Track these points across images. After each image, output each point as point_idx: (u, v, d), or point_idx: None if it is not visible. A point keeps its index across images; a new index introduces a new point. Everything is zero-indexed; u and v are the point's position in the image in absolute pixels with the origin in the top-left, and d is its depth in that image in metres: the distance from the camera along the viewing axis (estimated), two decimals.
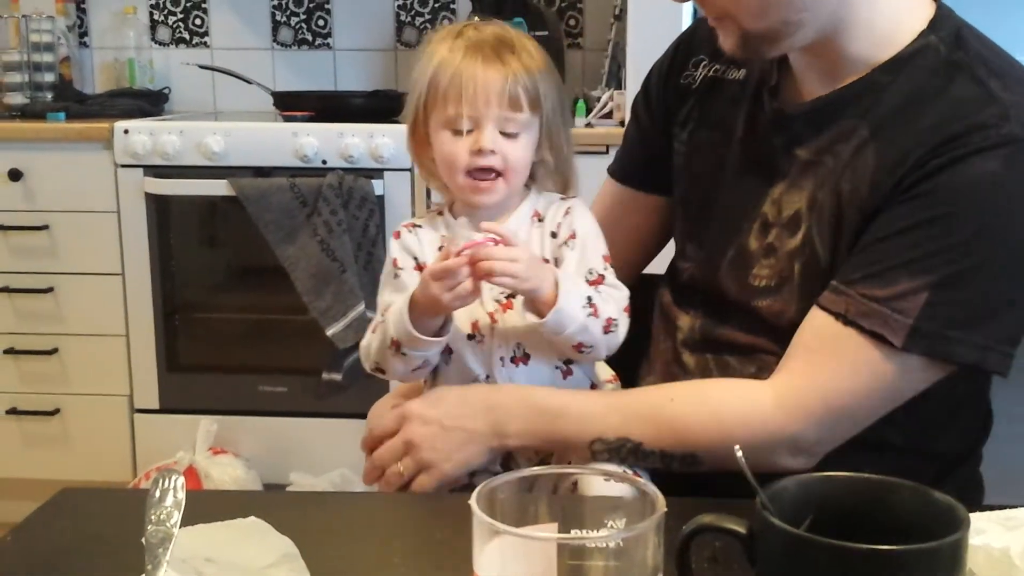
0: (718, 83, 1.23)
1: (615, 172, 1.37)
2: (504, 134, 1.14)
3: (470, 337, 1.15)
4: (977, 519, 0.77)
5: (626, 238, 1.33)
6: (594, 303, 1.11)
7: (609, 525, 0.66)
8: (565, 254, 1.16)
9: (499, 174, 1.14)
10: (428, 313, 1.10)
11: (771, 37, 1.07)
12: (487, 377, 1.15)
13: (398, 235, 1.20)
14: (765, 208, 1.13)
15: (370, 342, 1.18)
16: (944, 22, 1.09)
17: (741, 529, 0.69)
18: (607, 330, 1.13)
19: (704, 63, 1.25)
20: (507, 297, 1.15)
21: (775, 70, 1.17)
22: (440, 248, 1.15)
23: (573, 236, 1.17)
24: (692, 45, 1.28)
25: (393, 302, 1.15)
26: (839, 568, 0.63)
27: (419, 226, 1.20)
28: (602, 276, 1.15)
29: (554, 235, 1.17)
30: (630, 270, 1.35)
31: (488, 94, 1.12)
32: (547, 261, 1.16)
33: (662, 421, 1.09)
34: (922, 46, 1.07)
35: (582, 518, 0.66)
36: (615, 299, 1.15)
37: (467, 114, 1.12)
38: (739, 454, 0.70)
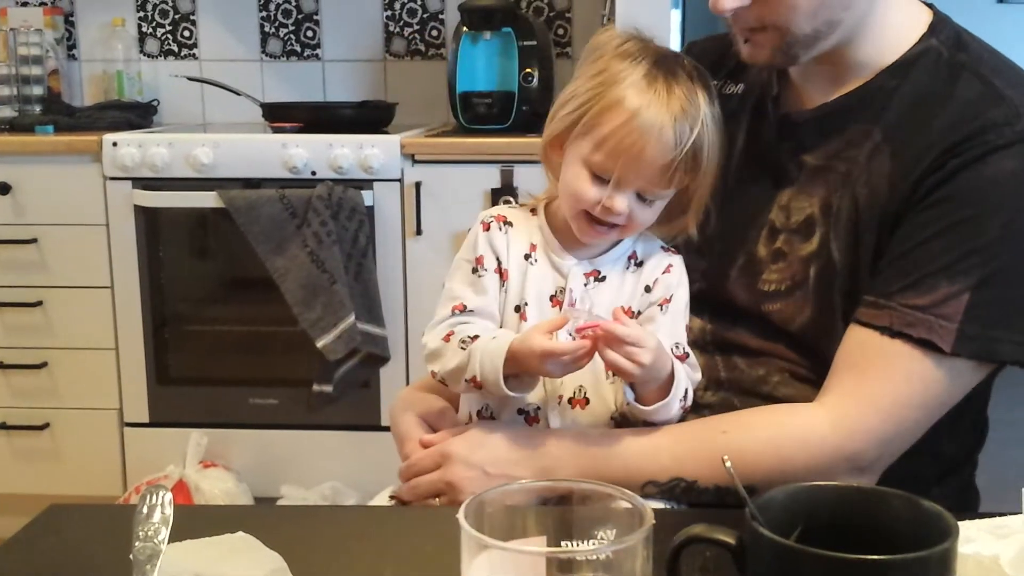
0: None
1: None
2: (640, 197, 1.09)
3: (520, 412, 1.11)
4: (967, 527, 0.77)
5: None
6: (688, 395, 1.09)
7: (599, 537, 0.66)
8: (656, 316, 1.11)
9: (616, 225, 1.09)
10: (525, 373, 1.05)
11: (811, 40, 1.08)
12: (538, 410, 1.11)
13: (487, 227, 1.13)
14: (772, 215, 1.14)
15: (443, 352, 1.10)
16: (943, 26, 1.12)
17: (731, 540, 0.69)
18: (683, 411, 1.11)
19: None
20: None
21: (775, 81, 1.18)
22: (567, 315, 1.06)
23: (668, 300, 1.12)
24: None
25: (466, 299, 1.11)
26: None
27: (510, 224, 1.14)
28: (686, 354, 1.11)
29: (648, 289, 1.12)
30: None
31: (648, 169, 1.05)
32: (632, 313, 1.11)
33: (716, 456, 1.07)
34: (924, 49, 1.10)
35: (571, 531, 0.66)
36: (693, 382, 1.12)
37: (617, 175, 1.06)
38: (727, 464, 0.70)
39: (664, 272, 1.13)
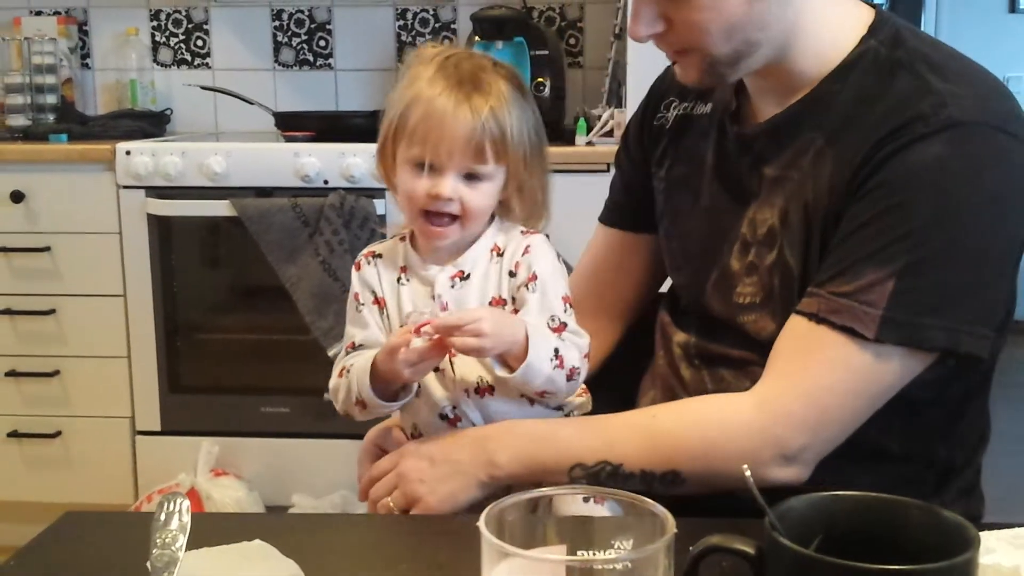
0: (688, 120, 1.27)
1: (606, 219, 1.40)
2: (467, 179, 1.13)
3: (435, 369, 1.15)
4: (987, 538, 0.76)
5: (625, 280, 1.38)
6: (560, 354, 1.11)
7: (617, 547, 0.66)
8: (525, 296, 1.14)
9: (455, 217, 1.13)
10: (390, 380, 1.11)
11: (733, 60, 1.09)
12: (454, 408, 1.15)
13: (359, 267, 1.20)
14: (743, 229, 1.16)
15: (337, 387, 1.19)
16: (882, 25, 1.12)
17: (750, 549, 0.68)
18: (569, 378, 1.13)
19: (674, 104, 1.29)
20: None
21: (734, 97, 1.20)
22: (407, 318, 1.13)
23: (534, 278, 1.14)
24: (662, 89, 1.32)
25: (354, 336, 1.18)
26: None
27: (379, 256, 1.20)
28: (564, 324, 1.14)
29: (512, 274, 1.16)
30: (631, 312, 1.39)
31: (453, 143, 1.11)
32: (504, 301, 1.15)
33: (643, 438, 1.10)
34: (863, 50, 1.11)
35: (591, 540, 0.66)
36: (578, 347, 1.14)
37: (429, 159, 1.11)
38: (747, 473, 0.70)
39: (523, 254, 1.16)
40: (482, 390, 1.14)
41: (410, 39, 3.21)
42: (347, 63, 3.26)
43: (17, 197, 2.71)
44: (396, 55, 3.23)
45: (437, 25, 3.19)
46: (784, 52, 1.11)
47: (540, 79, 2.75)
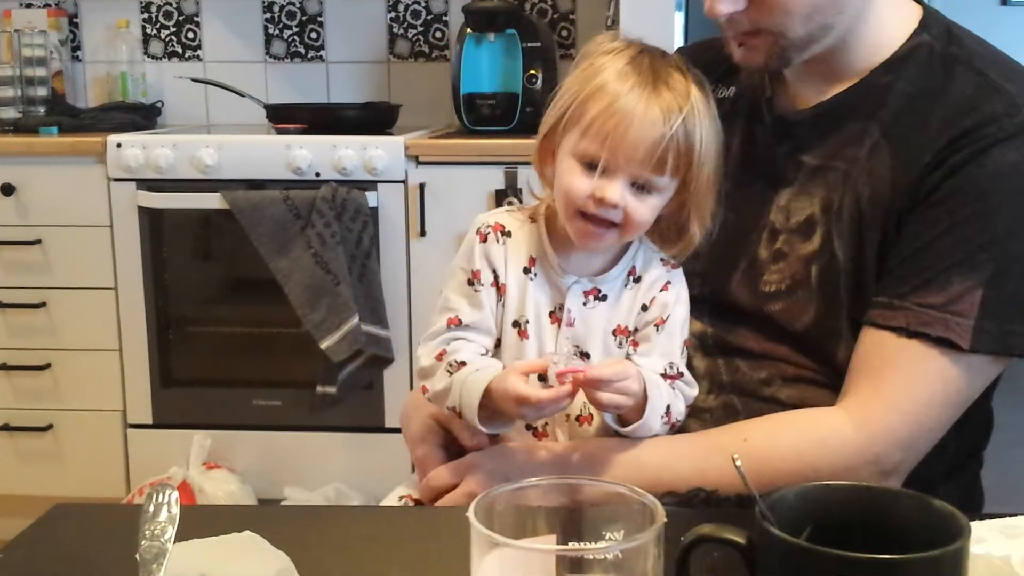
0: None
1: None
2: (635, 187, 1.05)
3: (528, 428, 1.10)
4: (978, 527, 0.76)
5: None
6: (671, 411, 1.08)
7: (608, 537, 0.65)
8: (651, 335, 1.10)
9: (613, 224, 1.06)
10: (502, 415, 1.05)
11: (806, 43, 1.08)
12: (545, 425, 1.11)
13: (484, 238, 1.10)
14: (772, 216, 1.14)
15: (432, 371, 1.09)
16: (933, 20, 1.12)
17: (740, 539, 0.68)
18: (672, 427, 1.10)
19: None
20: None
21: (768, 82, 1.18)
22: (546, 360, 1.04)
23: (664, 320, 1.10)
24: None
25: (462, 313, 1.09)
26: None
27: (508, 234, 1.11)
28: (680, 373, 1.10)
29: (644, 308, 1.10)
30: None
31: (635, 148, 1.02)
32: (628, 332, 1.10)
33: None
34: (917, 44, 1.10)
35: (580, 530, 0.66)
36: (686, 398, 1.11)
37: (604, 159, 1.03)
38: (737, 463, 0.70)
39: (661, 290, 1.11)
40: (582, 419, 1.10)
41: (401, 31, 3.20)
42: (339, 55, 3.25)
43: (7, 190, 2.70)
44: (388, 47, 3.22)
45: (429, 17, 3.19)
46: (845, 39, 1.10)
47: (532, 71, 2.75)
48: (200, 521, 0.89)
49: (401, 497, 1.18)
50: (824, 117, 1.12)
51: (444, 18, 3.18)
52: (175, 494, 0.82)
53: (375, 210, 2.60)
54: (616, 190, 1.03)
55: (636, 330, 1.10)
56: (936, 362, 1.03)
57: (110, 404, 2.78)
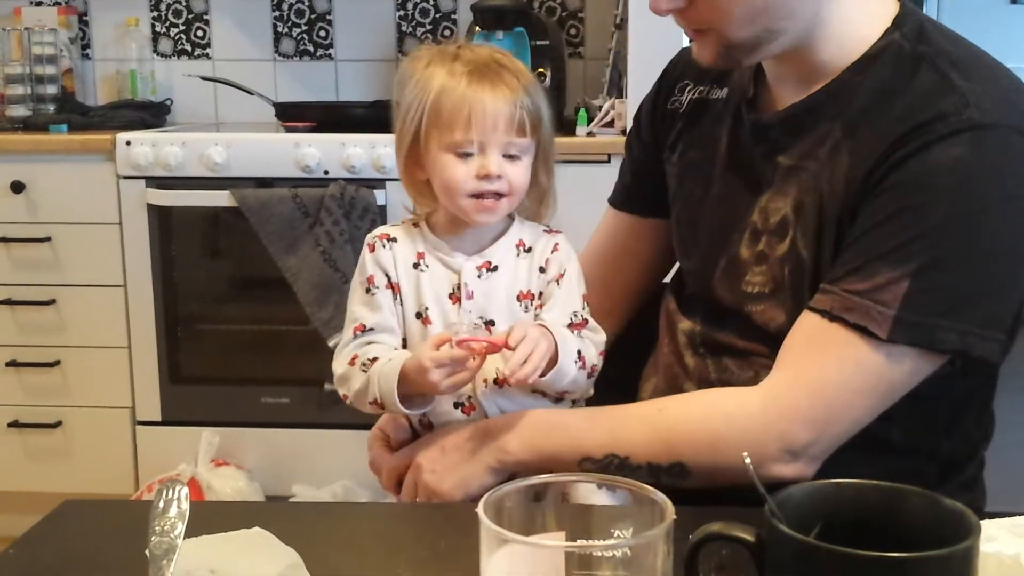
0: (703, 104, 1.25)
1: (615, 202, 1.39)
2: (507, 156, 1.14)
3: (456, 405, 1.16)
4: (987, 526, 0.76)
5: (631, 264, 1.38)
6: (582, 355, 1.14)
7: (616, 534, 0.65)
8: (553, 292, 1.18)
9: (501, 195, 1.14)
10: (418, 390, 1.11)
11: (752, 45, 1.09)
12: (469, 398, 1.16)
13: (372, 248, 1.19)
14: (754, 217, 1.15)
15: (348, 376, 1.18)
16: (907, 18, 1.11)
17: (749, 537, 0.68)
18: (589, 375, 1.16)
19: (689, 87, 1.28)
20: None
21: (752, 83, 1.19)
22: (450, 331, 1.13)
23: (563, 275, 1.18)
24: (677, 72, 1.31)
25: (364, 319, 1.17)
26: None
27: (394, 240, 1.19)
28: (585, 320, 1.18)
29: (542, 270, 1.18)
30: (636, 297, 1.39)
31: (496, 120, 1.12)
32: (532, 295, 1.18)
33: (650, 430, 1.10)
34: (887, 43, 1.10)
35: (589, 527, 0.66)
36: (595, 344, 1.18)
37: (476, 139, 1.12)
38: (747, 460, 0.70)
39: (553, 251, 1.19)
40: (500, 381, 1.14)
41: (410, 29, 3.20)
42: (347, 53, 3.25)
43: (17, 187, 2.71)
44: (397, 45, 3.22)
45: (438, 15, 3.19)
46: (806, 40, 1.10)
47: (541, 69, 2.75)
48: (209, 517, 0.89)
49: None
50: (796, 118, 1.13)
51: (453, 16, 3.18)
52: (185, 490, 0.83)
53: (383, 208, 2.60)
54: (495, 162, 1.13)
55: (540, 293, 1.18)
56: (853, 347, 1.02)
57: (119, 401, 2.79)
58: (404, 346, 1.17)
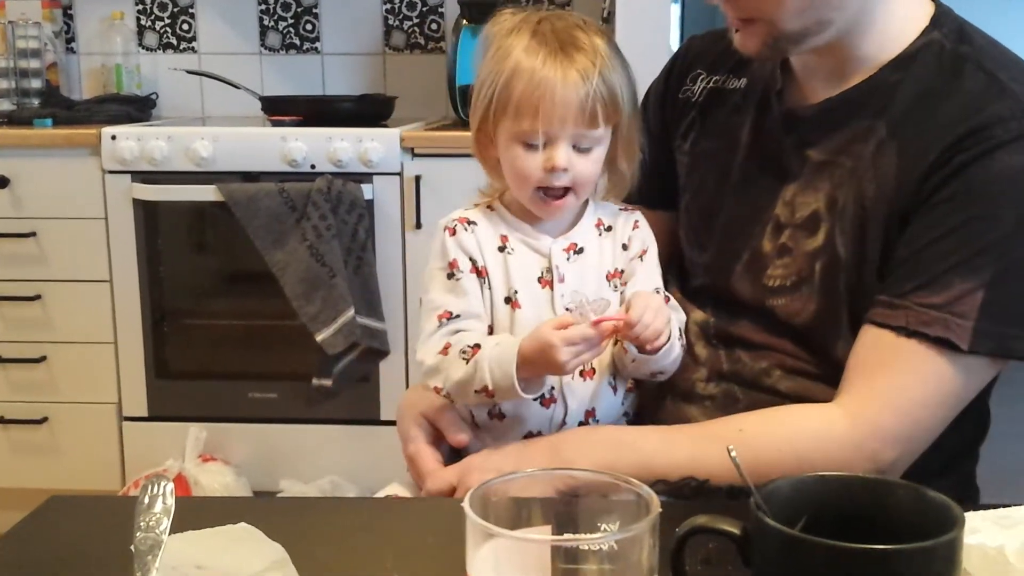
0: (718, 93, 1.24)
1: None
2: (577, 148, 1.11)
3: (536, 397, 1.12)
4: (972, 518, 0.76)
5: None
6: (680, 333, 1.14)
7: (602, 528, 0.65)
8: (636, 269, 1.17)
9: (569, 189, 1.12)
10: (535, 373, 1.07)
11: (800, 36, 1.08)
12: (552, 389, 1.12)
13: (453, 231, 1.14)
14: (777, 210, 1.14)
15: (444, 367, 1.11)
16: (945, 18, 1.11)
17: (736, 530, 0.68)
18: (681, 348, 1.16)
19: (702, 76, 1.26)
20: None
21: (779, 75, 1.18)
22: (568, 310, 1.10)
23: (646, 251, 1.18)
24: (688, 61, 1.30)
25: (450, 306, 1.12)
26: (834, 568, 0.62)
27: (474, 223, 1.15)
28: (668, 297, 1.18)
29: (625, 247, 1.18)
30: None
31: (566, 112, 1.08)
32: (620, 273, 1.17)
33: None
34: (927, 42, 1.09)
35: (576, 521, 0.66)
36: (679, 322, 1.17)
37: (543, 130, 1.08)
38: (732, 454, 0.70)
39: (634, 228, 1.19)
40: (584, 373, 1.13)
41: (397, 22, 3.20)
42: (334, 47, 3.24)
43: (2, 182, 2.70)
44: (383, 39, 3.21)
45: (424, 9, 3.18)
46: (849, 34, 1.09)
47: None
48: (195, 513, 0.89)
49: (388, 496, 1.19)
50: (832, 112, 1.12)
51: (440, 10, 3.18)
52: (170, 486, 0.82)
53: (371, 202, 2.60)
54: (562, 155, 1.09)
55: (624, 271, 1.17)
56: (934, 362, 1.02)
57: (105, 397, 2.78)
58: (490, 333, 1.13)
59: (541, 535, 0.65)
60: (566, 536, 0.65)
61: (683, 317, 1.18)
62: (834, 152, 1.11)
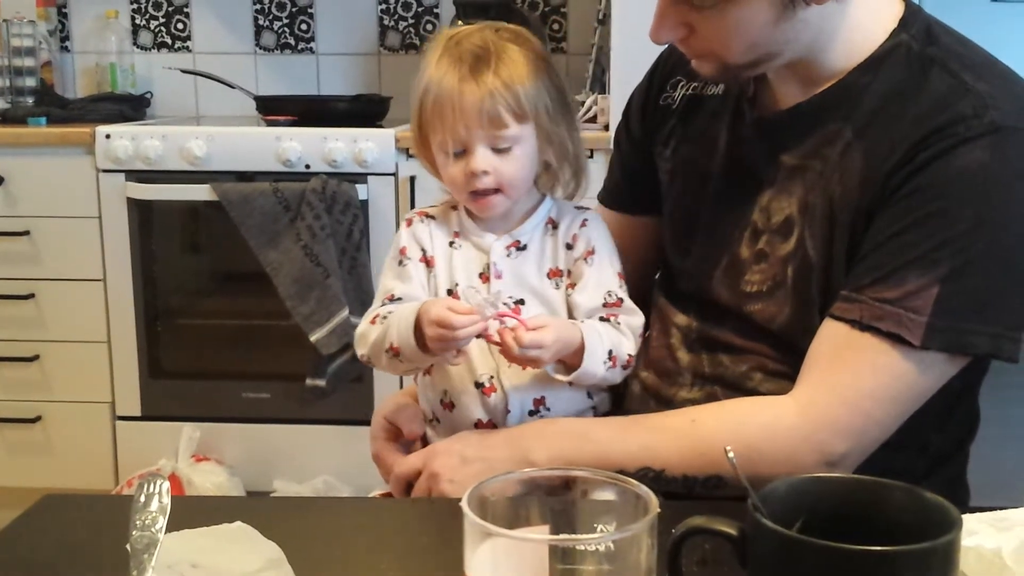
0: (698, 100, 1.25)
1: (604, 199, 1.38)
2: (496, 150, 1.13)
3: (477, 385, 1.15)
4: (969, 520, 0.77)
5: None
6: (614, 355, 1.14)
7: (600, 528, 0.65)
8: (583, 270, 1.17)
9: (497, 190, 1.14)
10: (428, 346, 1.10)
11: (753, 66, 1.10)
12: (491, 378, 1.14)
13: (410, 223, 1.20)
14: (754, 216, 1.14)
15: (367, 332, 1.17)
16: (914, 19, 1.11)
17: (732, 531, 0.68)
18: (624, 368, 1.16)
19: (682, 83, 1.27)
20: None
21: (751, 81, 1.19)
22: (471, 302, 1.11)
23: (591, 252, 1.18)
24: (668, 68, 1.30)
25: (394, 289, 1.17)
26: (831, 569, 0.62)
27: (432, 217, 1.20)
28: (620, 300, 1.17)
29: (569, 247, 1.18)
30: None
31: (468, 119, 1.12)
32: (561, 272, 1.17)
33: (685, 443, 1.08)
34: (895, 44, 1.10)
35: (573, 521, 0.66)
36: (632, 328, 1.17)
37: (451, 139, 1.13)
38: (730, 454, 0.70)
39: (580, 227, 1.19)
40: (535, 410, 1.14)
41: (392, 23, 3.19)
42: (329, 47, 3.24)
43: None
44: (378, 39, 3.21)
45: (420, 9, 3.18)
46: (811, 52, 1.10)
47: None
48: (191, 512, 0.89)
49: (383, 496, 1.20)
50: (802, 117, 1.12)
51: (435, 10, 3.18)
52: (166, 484, 0.82)
53: (365, 203, 2.59)
54: (479, 160, 1.12)
55: (569, 271, 1.18)
56: (886, 356, 1.02)
57: (99, 396, 2.78)
58: None
59: (539, 535, 0.65)
60: (564, 536, 0.65)
61: (636, 322, 1.18)
62: (805, 156, 1.11)
